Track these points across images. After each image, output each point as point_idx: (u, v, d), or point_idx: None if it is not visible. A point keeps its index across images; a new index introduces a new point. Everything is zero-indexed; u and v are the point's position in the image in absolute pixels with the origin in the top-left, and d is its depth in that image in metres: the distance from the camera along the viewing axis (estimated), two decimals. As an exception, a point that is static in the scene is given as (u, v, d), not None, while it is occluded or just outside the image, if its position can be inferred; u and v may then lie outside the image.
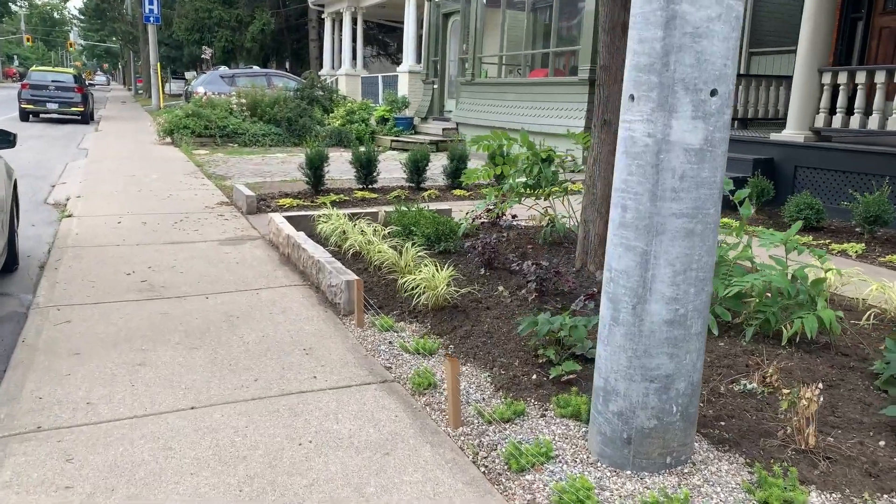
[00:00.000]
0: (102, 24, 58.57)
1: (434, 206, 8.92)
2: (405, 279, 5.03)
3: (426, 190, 10.10)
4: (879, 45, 11.16)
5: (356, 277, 4.99)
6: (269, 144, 16.94)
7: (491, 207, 7.58)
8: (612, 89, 5.31)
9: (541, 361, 3.96)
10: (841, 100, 8.80)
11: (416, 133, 19.14)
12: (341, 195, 9.45)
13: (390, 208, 7.61)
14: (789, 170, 9.24)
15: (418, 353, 4.24)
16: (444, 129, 17.86)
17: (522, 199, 6.81)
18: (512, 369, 3.93)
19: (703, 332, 2.94)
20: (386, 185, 10.51)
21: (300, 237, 6.25)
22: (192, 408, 3.51)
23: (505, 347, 4.23)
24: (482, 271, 5.74)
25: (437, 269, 5.06)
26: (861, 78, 8.60)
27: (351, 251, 6.03)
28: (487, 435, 3.28)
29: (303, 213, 7.32)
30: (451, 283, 5.00)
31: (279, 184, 10.80)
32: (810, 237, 7.62)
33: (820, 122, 9.04)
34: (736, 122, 11.13)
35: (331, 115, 19.36)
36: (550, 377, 3.75)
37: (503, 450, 3.12)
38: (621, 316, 2.90)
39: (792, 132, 9.29)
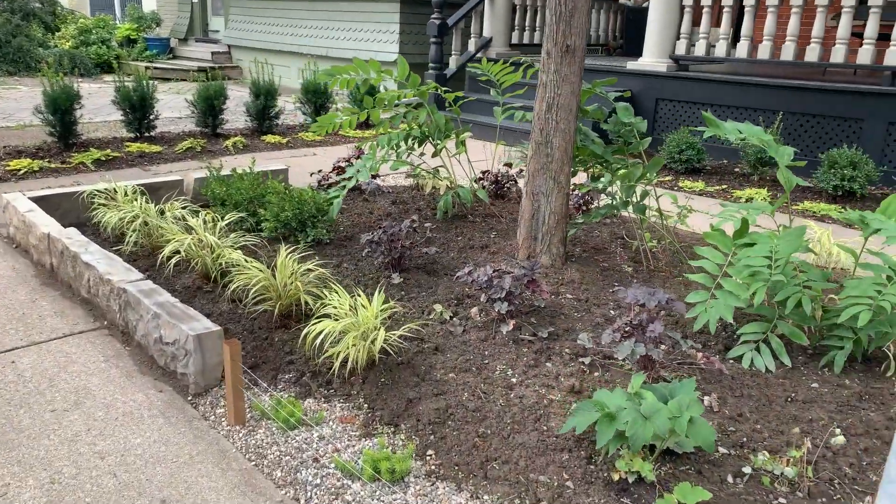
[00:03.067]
0: None
1: (249, 161, 6.63)
2: (314, 329, 2.96)
3: (227, 137, 7.63)
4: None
5: (216, 328, 2.83)
6: (-31, 73, 12.67)
7: (344, 165, 5.57)
8: (577, 1, 3.58)
9: (617, 480, 2.26)
10: (704, 24, 7.93)
11: (176, 58, 15.72)
12: (107, 150, 6.68)
13: (198, 172, 5.22)
14: (650, 104, 8.29)
15: (377, 479, 2.32)
16: (213, 54, 14.77)
17: (408, 154, 4.89)
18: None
19: None
20: (167, 132, 7.82)
21: (75, 240, 3.78)
22: None
23: (525, 446, 2.47)
24: (391, 275, 3.82)
25: (353, 300, 3.07)
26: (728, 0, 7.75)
27: (174, 260, 3.72)
28: None
29: (62, 189, 4.69)
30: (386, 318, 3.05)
31: (2, 133, 7.57)
32: (702, 182, 6.68)
33: (682, 48, 8.13)
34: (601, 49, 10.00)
35: (57, 34, 15.13)
36: (658, 519, 2.08)
37: None
38: None
39: (652, 60, 8.30)
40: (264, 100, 7.83)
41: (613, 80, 4.08)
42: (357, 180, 4.32)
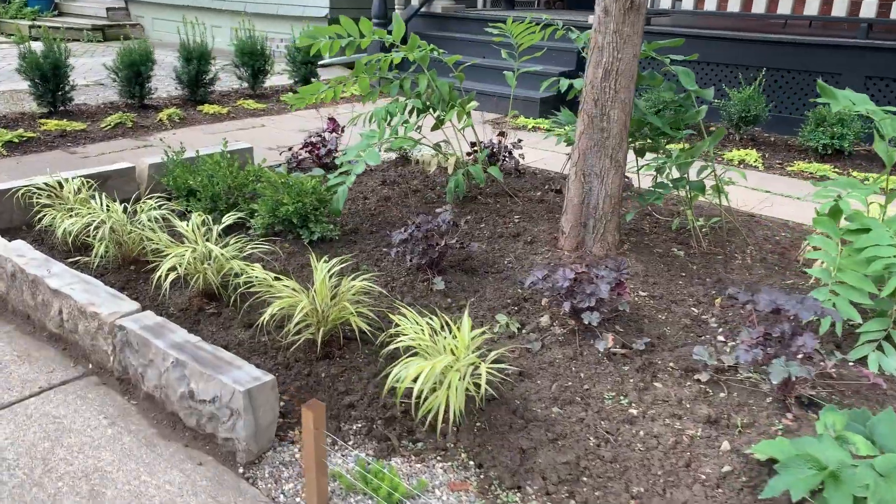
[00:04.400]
0: None
1: (192, 136, 5.81)
2: (406, 372, 2.35)
3: (158, 109, 6.65)
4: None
5: (268, 377, 2.19)
6: None
7: (316, 140, 4.88)
8: (642, -54, 3.04)
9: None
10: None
11: (63, 14, 13.99)
12: (19, 129, 5.63)
13: (152, 157, 4.38)
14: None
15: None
16: (108, 10, 13.20)
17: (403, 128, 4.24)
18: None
19: None
20: (85, 105, 6.74)
21: (29, 258, 2.97)
22: None
23: (691, 504, 2.01)
24: (431, 279, 3.23)
25: (434, 331, 2.47)
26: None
27: (170, 278, 2.96)
28: None
29: (-16, 183, 3.78)
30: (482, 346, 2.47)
31: None
32: (684, 143, 6.37)
33: None
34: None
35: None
36: None
37: None
38: None
39: (614, 14, 7.85)
40: (197, 64, 6.87)
41: (680, 41, 3.56)
42: (366, 164, 3.66)
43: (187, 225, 3.07)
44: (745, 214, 4.32)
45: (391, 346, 2.47)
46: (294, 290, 2.67)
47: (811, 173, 5.63)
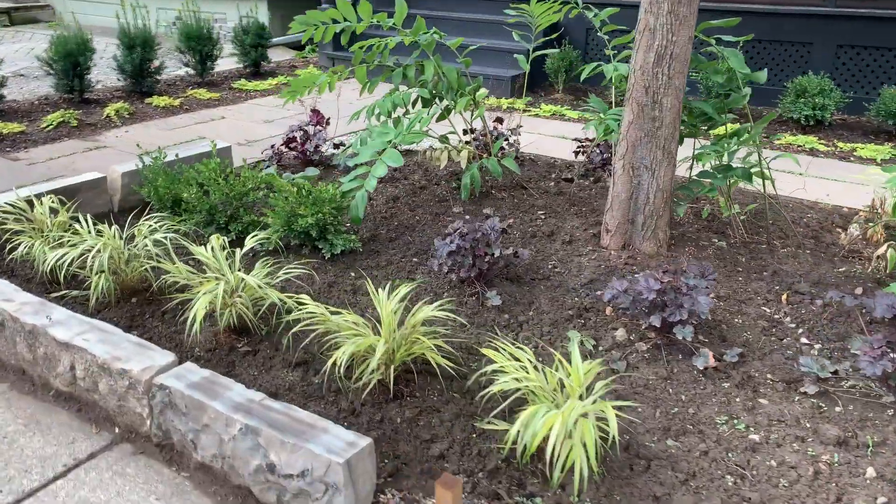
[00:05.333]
0: None
1: (149, 134, 5.29)
2: (529, 426, 2.03)
3: (102, 104, 6.00)
4: None
5: (365, 440, 1.85)
6: None
7: (299, 136, 4.47)
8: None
9: None
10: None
11: (-43, -3, 12.67)
12: (-54, 134, 4.95)
13: (124, 164, 3.87)
14: (580, 35, 7.65)
15: None
16: (13, -9, 12.04)
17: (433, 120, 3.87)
18: None
19: None
20: (15, 102, 6.02)
21: (19, 302, 2.49)
22: None
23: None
24: (482, 294, 2.92)
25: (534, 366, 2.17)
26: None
27: (199, 317, 2.51)
28: None
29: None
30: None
31: None
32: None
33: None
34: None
35: None
36: None
37: None
38: None
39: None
40: (141, 52, 6.22)
41: (735, 20, 3.31)
42: (386, 167, 3.28)
43: (205, 249, 2.64)
44: (759, 195, 4.18)
45: (493, 389, 2.15)
46: (355, 323, 2.31)
47: (800, 146, 5.58)
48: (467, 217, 3.62)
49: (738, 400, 2.36)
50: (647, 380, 2.45)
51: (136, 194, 3.83)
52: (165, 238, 2.87)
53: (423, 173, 4.39)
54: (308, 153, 4.52)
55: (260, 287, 2.49)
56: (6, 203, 3.25)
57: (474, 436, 2.20)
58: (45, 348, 2.37)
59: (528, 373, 2.08)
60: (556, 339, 2.68)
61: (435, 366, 2.35)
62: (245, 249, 2.75)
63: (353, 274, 3.14)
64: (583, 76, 3.83)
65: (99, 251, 2.75)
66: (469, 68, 7.13)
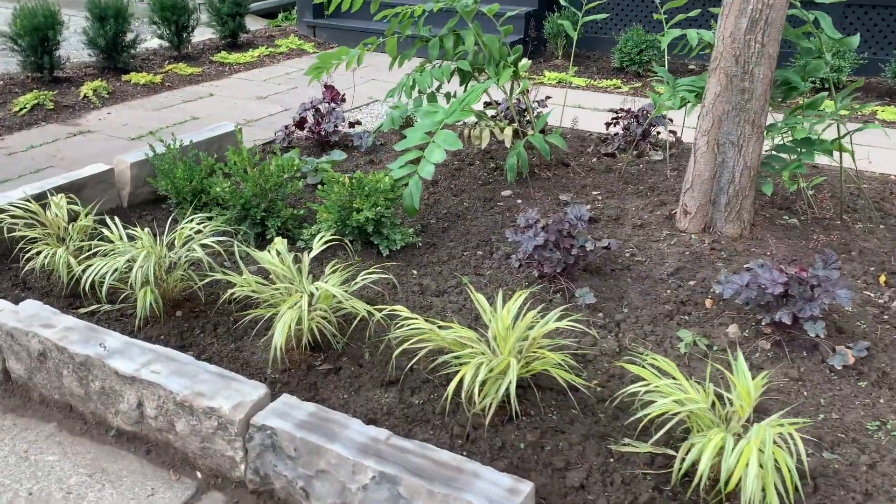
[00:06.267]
0: None
1: (145, 112, 4.86)
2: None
3: (76, 83, 5.47)
4: None
5: (526, 485, 1.60)
6: None
7: (311, 114, 4.11)
8: None
9: None
10: None
11: None
12: None
13: (131, 154, 3.46)
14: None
15: None
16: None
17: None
18: None
19: None
20: (-25, 82, 5.44)
21: (60, 328, 2.11)
22: None
23: None
24: (571, 291, 2.65)
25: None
26: None
27: (281, 337, 2.17)
28: None
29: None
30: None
31: None
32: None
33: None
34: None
35: None
36: None
37: None
38: None
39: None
40: (114, 24, 5.68)
41: None
42: (443, 151, 2.96)
43: (273, 255, 2.30)
44: (822, 167, 4.00)
45: (652, 412, 1.89)
46: (467, 338, 2.03)
47: (821, 110, 5.41)
48: (526, 204, 3.33)
49: (882, 401, 2.16)
50: (779, 383, 2.24)
51: (147, 186, 3.44)
52: (214, 243, 2.51)
53: (456, 153, 4.07)
54: (325, 133, 4.15)
55: (346, 299, 2.17)
56: (11, 205, 2.83)
57: (612, 460, 1.95)
58: (101, 382, 2.02)
59: (683, 391, 1.83)
60: (662, 340, 2.44)
61: (563, 382, 2.08)
62: (313, 253, 2.40)
63: (415, 272, 2.84)
64: (662, 45, 3.53)
65: (142, 260, 2.38)
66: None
